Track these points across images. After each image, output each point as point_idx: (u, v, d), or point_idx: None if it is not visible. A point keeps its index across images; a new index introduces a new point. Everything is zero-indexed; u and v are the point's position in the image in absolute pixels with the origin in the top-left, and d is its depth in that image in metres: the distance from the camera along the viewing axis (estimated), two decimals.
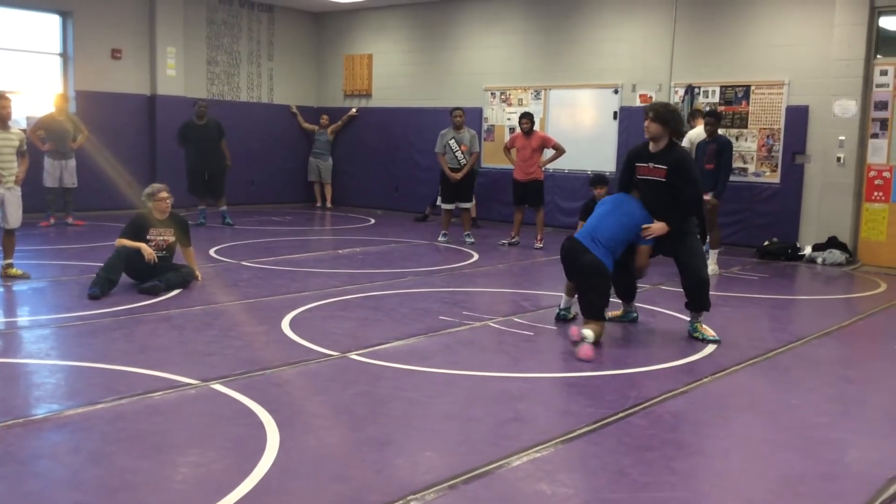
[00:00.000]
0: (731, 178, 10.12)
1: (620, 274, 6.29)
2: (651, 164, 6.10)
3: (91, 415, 4.22)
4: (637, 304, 6.78)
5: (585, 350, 5.56)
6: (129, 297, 7.03)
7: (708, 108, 10.49)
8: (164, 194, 7.66)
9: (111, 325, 6.11)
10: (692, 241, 6.13)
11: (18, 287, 7.48)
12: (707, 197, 9.19)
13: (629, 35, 12.44)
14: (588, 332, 5.66)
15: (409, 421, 4.35)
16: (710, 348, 5.95)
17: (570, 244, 6.11)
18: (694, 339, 6.14)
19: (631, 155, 6.34)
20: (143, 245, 7.37)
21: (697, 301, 6.14)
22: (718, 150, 9.29)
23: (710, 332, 6.14)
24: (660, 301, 7.03)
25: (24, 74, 12.86)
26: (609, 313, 6.46)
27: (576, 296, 6.22)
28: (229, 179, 13.26)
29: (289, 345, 5.72)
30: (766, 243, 10.98)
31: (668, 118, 6.05)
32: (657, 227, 6.02)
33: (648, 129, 6.11)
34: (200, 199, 12.66)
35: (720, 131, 9.77)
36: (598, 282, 5.93)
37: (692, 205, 6.06)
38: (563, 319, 6.51)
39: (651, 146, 6.15)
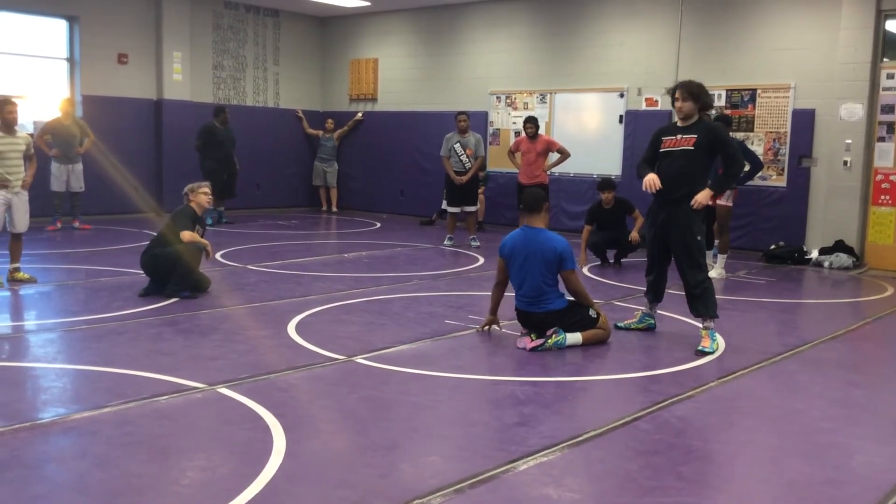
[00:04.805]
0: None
1: (651, 272, 6.41)
2: (679, 136, 6.10)
3: (97, 419, 4.23)
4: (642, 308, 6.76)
5: (525, 340, 5.88)
6: (134, 302, 7.04)
7: (716, 113, 10.47)
8: (207, 189, 7.66)
9: (117, 330, 6.12)
10: (693, 245, 6.08)
11: (25, 291, 7.50)
12: (721, 201, 9.19)
13: (635, 39, 12.44)
14: (573, 336, 5.96)
15: (415, 425, 4.34)
16: (718, 353, 5.93)
17: (525, 317, 6.10)
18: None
19: (659, 131, 6.35)
20: (207, 243, 7.46)
21: (693, 306, 6.13)
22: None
23: (706, 341, 5.98)
24: (666, 304, 7.01)
25: (30, 79, 12.91)
26: (623, 322, 6.62)
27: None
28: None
29: (294, 349, 5.72)
30: (773, 247, 10.96)
31: (698, 93, 6.07)
32: (703, 197, 5.95)
33: (682, 110, 6.09)
34: (217, 201, 12.83)
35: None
36: (568, 320, 5.99)
37: (735, 162, 6.09)
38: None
39: (680, 123, 6.18)
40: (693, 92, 6.06)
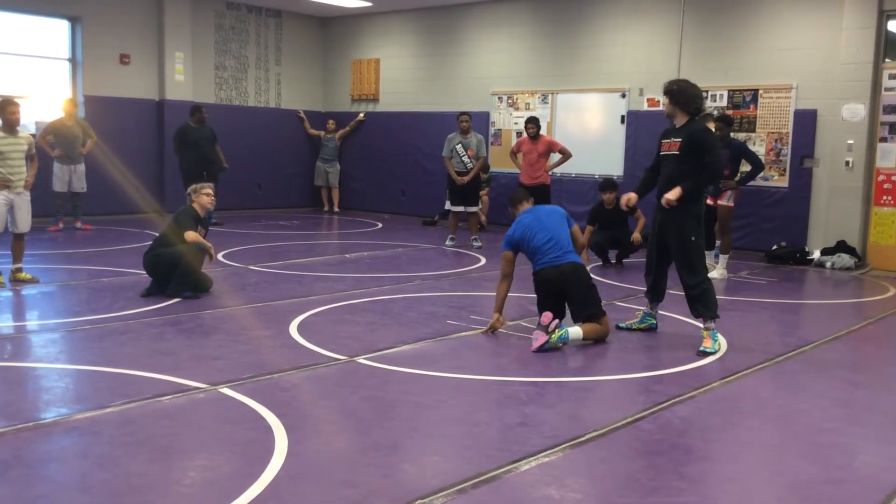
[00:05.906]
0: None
1: (650, 273, 6.44)
2: (671, 139, 6.17)
3: (99, 419, 4.23)
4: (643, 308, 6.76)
5: (539, 334, 5.86)
6: (136, 302, 7.05)
7: (717, 113, 10.46)
8: (210, 190, 7.67)
9: (119, 329, 6.13)
10: (689, 247, 6.08)
11: (27, 291, 7.50)
12: (722, 202, 9.19)
13: (637, 39, 12.43)
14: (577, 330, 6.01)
15: (417, 425, 4.35)
16: (720, 353, 5.93)
17: (552, 272, 6.21)
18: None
19: (662, 133, 6.42)
20: (211, 246, 7.46)
21: (693, 307, 6.13)
22: (736, 153, 9.35)
23: (707, 342, 5.97)
24: (667, 305, 7.01)
25: (33, 80, 12.93)
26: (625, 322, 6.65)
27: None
28: (237, 184, 13.56)
29: (296, 349, 5.72)
30: (775, 247, 10.95)
31: (671, 90, 6.13)
32: (671, 194, 5.99)
33: (665, 108, 6.27)
34: None
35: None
36: (592, 294, 6.19)
37: (711, 169, 6.03)
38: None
39: (675, 124, 6.22)
40: (669, 90, 6.17)
